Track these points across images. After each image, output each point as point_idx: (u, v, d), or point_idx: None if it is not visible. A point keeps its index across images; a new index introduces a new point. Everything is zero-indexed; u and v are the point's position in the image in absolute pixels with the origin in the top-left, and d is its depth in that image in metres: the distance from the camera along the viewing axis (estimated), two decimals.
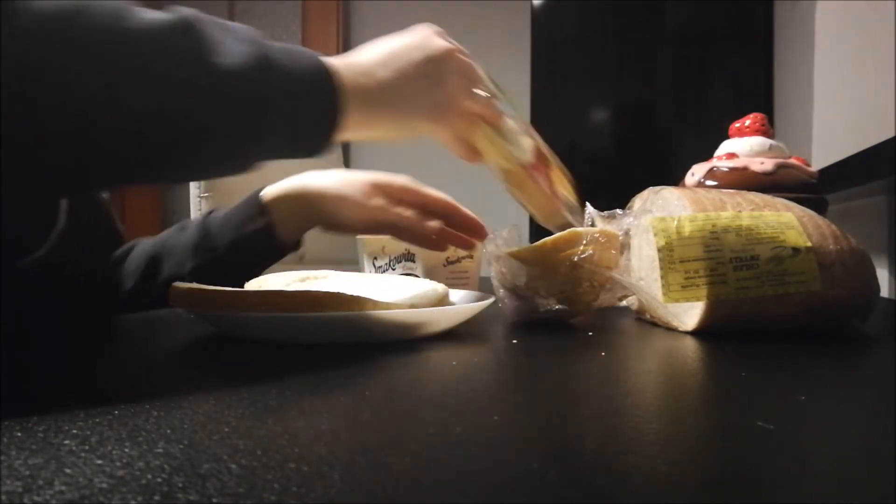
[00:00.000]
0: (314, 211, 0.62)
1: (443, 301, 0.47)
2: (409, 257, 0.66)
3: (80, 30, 0.32)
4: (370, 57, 0.46)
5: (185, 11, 0.36)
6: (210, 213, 0.66)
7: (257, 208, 0.63)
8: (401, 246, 0.66)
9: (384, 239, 0.66)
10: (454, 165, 2.47)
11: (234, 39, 0.37)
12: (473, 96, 0.49)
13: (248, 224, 0.62)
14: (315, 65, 0.41)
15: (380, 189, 0.61)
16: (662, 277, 0.45)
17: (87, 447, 0.20)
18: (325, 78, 0.41)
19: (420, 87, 0.46)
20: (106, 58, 0.32)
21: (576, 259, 0.48)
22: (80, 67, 0.32)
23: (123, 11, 0.34)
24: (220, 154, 0.39)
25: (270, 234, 0.62)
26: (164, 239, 0.66)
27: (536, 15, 2.14)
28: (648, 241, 0.48)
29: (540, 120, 2.16)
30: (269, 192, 0.64)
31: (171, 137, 0.35)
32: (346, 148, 2.20)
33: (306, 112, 0.41)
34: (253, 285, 0.53)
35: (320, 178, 0.63)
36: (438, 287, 0.49)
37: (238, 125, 0.37)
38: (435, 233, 0.57)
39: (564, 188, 0.54)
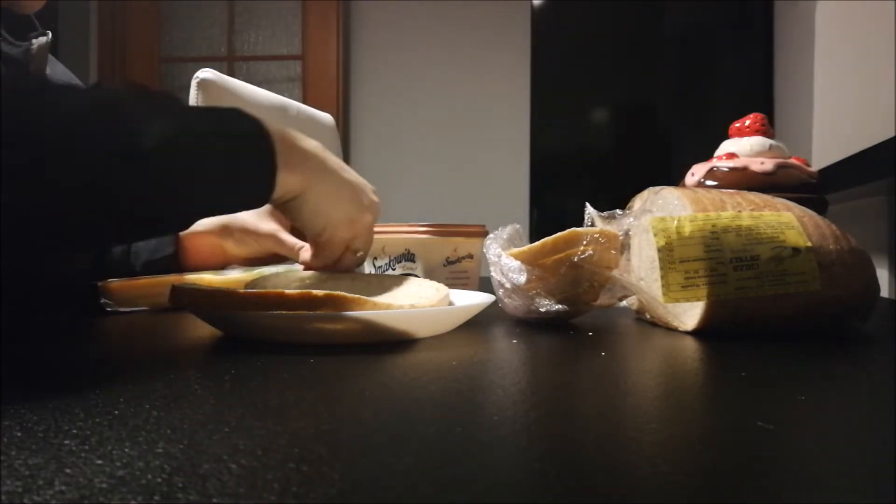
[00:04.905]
0: (218, 248, 0.72)
1: (443, 301, 0.47)
2: (409, 257, 0.66)
3: (3, 114, 0.31)
4: (316, 150, 0.49)
5: (110, 89, 0.38)
6: None
7: (171, 237, 0.71)
8: (401, 246, 0.66)
9: (384, 239, 0.66)
10: (455, 166, 2.45)
11: (158, 115, 0.38)
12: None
13: (160, 250, 0.70)
14: (249, 132, 0.43)
15: (275, 214, 0.69)
16: (662, 277, 0.45)
17: (87, 447, 0.20)
18: (258, 140, 0.43)
19: (341, 187, 0.50)
20: (26, 139, 0.32)
21: (576, 259, 0.48)
22: (5, 149, 0.31)
23: (46, 92, 0.34)
24: (150, 224, 0.40)
25: (176, 262, 0.71)
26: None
27: (536, 15, 2.14)
28: (648, 241, 0.48)
29: (540, 120, 2.16)
30: None
31: (98, 217, 0.36)
32: (346, 147, 2.20)
33: (238, 176, 0.42)
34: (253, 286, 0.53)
35: (231, 215, 0.70)
36: (439, 287, 0.49)
37: (164, 198, 0.38)
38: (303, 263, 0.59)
39: None
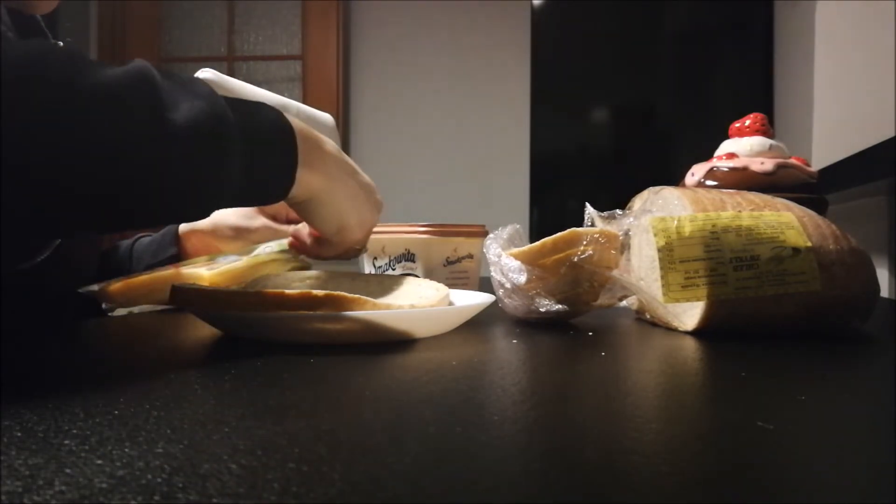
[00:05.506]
0: (214, 248, 0.72)
1: (443, 301, 0.47)
2: (409, 257, 0.66)
3: (33, 83, 0.31)
4: (332, 150, 0.49)
5: (141, 65, 0.36)
6: (141, 237, 0.75)
7: (171, 239, 0.73)
8: (401, 246, 0.66)
9: (384, 239, 0.66)
10: (455, 166, 2.45)
11: (188, 95, 0.37)
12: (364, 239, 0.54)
13: (161, 252, 0.72)
14: (272, 121, 0.43)
15: (264, 209, 0.71)
16: (662, 277, 0.45)
17: (87, 447, 0.20)
18: (284, 136, 0.43)
19: (357, 191, 0.51)
20: (57, 113, 0.32)
21: (576, 259, 0.48)
22: (31, 122, 0.31)
23: (78, 65, 0.33)
24: (175, 206, 0.39)
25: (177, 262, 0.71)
26: (107, 255, 0.75)
27: (536, 15, 2.14)
28: (648, 241, 0.48)
29: (540, 120, 2.16)
30: (185, 225, 0.73)
31: (123, 192, 0.35)
32: (346, 147, 2.20)
33: (260, 168, 0.42)
34: (253, 286, 0.53)
35: (221, 213, 0.72)
36: (439, 287, 0.49)
37: (190, 181, 0.38)
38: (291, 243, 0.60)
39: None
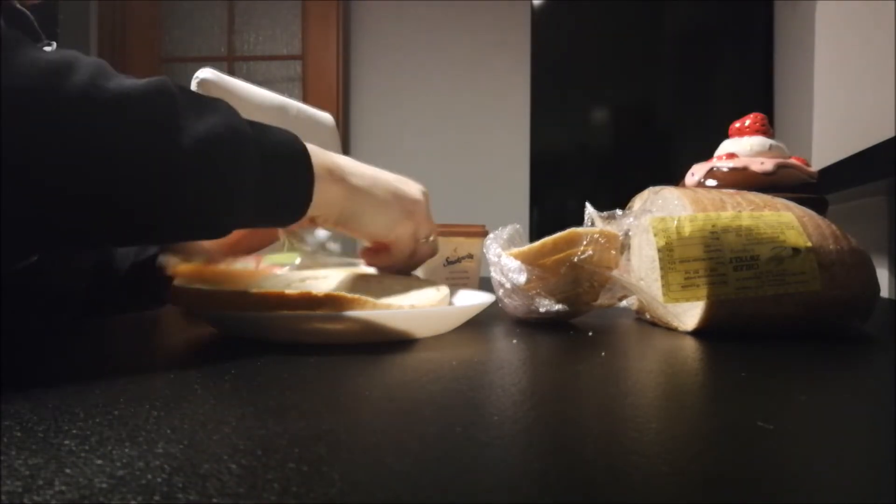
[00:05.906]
0: (192, 244, 0.69)
1: (443, 301, 0.47)
2: None
3: (56, 94, 0.32)
4: (348, 162, 0.48)
5: (163, 79, 0.36)
6: None
7: None
8: None
9: None
10: (455, 166, 2.45)
11: (207, 109, 0.38)
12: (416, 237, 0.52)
13: (143, 251, 0.69)
14: (287, 140, 0.43)
15: None
16: (662, 277, 0.45)
17: (87, 447, 0.20)
18: (299, 153, 0.43)
19: (386, 185, 0.50)
20: (78, 123, 0.32)
21: (576, 259, 0.48)
22: (52, 131, 0.31)
23: (101, 76, 0.33)
24: (191, 220, 0.38)
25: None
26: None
27: (536, 15, 2.14)
28: (648, 241, 0.49)
29: (540, 120, 2.16)
30: None
31: (138, 203, 0.35)
32: (346, 147, 2.20)
33: (277, 184, 0.42)
34: (253, 286, 0.53)
35: None
36: (439, 287, 0.49)
37: (206, 193, 0.37)
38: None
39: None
